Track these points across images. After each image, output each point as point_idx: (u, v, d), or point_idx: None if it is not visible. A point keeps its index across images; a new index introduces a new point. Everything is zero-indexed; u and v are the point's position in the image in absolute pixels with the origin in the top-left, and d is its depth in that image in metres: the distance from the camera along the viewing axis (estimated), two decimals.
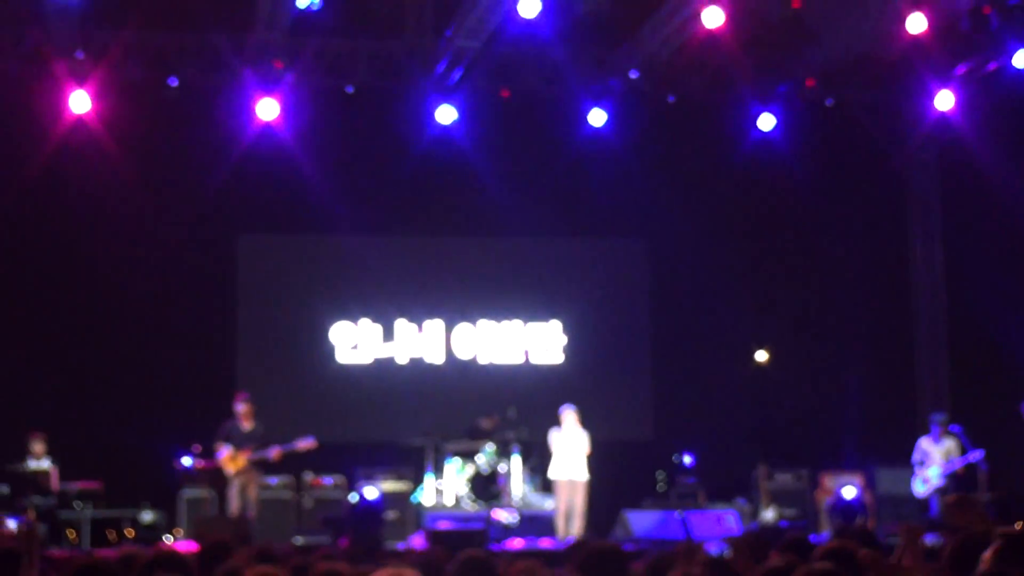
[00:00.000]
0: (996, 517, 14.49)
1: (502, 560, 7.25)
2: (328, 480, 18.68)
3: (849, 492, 17.96)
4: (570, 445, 17.55)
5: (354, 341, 20.92)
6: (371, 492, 16.87)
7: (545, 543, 16.64)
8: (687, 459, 19.81)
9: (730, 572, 6.10)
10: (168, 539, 17.58)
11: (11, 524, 15.73)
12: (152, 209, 19.66)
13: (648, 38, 18.61)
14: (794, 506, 19.22)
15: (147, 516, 18.15)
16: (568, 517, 17.54)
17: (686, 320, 21.49)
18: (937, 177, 21.98)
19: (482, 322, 21.26)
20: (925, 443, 17.89)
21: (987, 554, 5.43)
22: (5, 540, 13.40)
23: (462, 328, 21.19)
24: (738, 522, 17.42)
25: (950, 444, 17.63)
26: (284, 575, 5.90)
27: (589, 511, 17.83)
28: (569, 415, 17.59)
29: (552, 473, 17.75)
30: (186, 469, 17.68)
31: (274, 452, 17.09)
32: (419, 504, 18.80)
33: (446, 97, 19.64)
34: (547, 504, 18.51)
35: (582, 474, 17.52)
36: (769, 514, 18.55)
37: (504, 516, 17.11)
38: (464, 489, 18.74)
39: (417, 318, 21.05)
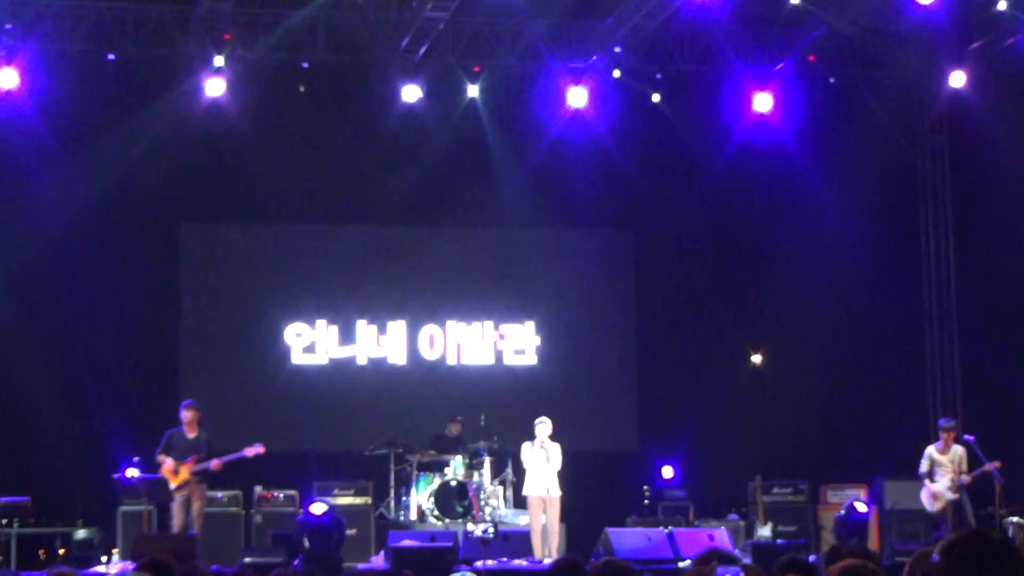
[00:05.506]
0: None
1: None
2: (280, 494, 18.40)
3: (861, 506, 17.30)
4: (544, 460, 16.90)
5: (309, 341, 20.58)
6: (318, 508, 15.98)
7: (521, 563, 16.01)
8: (668, 471, 19.66)
9: None
10: (104, 560, 17.00)
11: None
12: (86, 196, 19.23)
13: (633, 10, 18.27)
14: (793, 522, 19.00)
15: (81, 533, 17.65)
16: (544, 535, 17.02)
17: (675, 319, 21.23)
18: (949, 163, 21.67)
19: (451, 323, 20.93)
20: (933, 452, 17.28)
21: None
22: None
23: (428, 330, 20.86)
24: (730, 540, 16.69)
25: (961, 453, 17.10)
26: None
27: (568, 529, 17.49)
28: (543, 428, 16.88)
29: (526, 489, 17.21)
30: (125, 482, 17.07)
31: (214, 463, 16.46)
32: (381, 520, 18.51)
33: (411, 75, 19.44)
34: (521, 520, 18.04)
35: (555, 490, 16.97)
36: (765, 531, 18.13)
37: (479, 529, 16.69)
38: (430, 504, 18.40)
39: (378, 319, 20.72)
